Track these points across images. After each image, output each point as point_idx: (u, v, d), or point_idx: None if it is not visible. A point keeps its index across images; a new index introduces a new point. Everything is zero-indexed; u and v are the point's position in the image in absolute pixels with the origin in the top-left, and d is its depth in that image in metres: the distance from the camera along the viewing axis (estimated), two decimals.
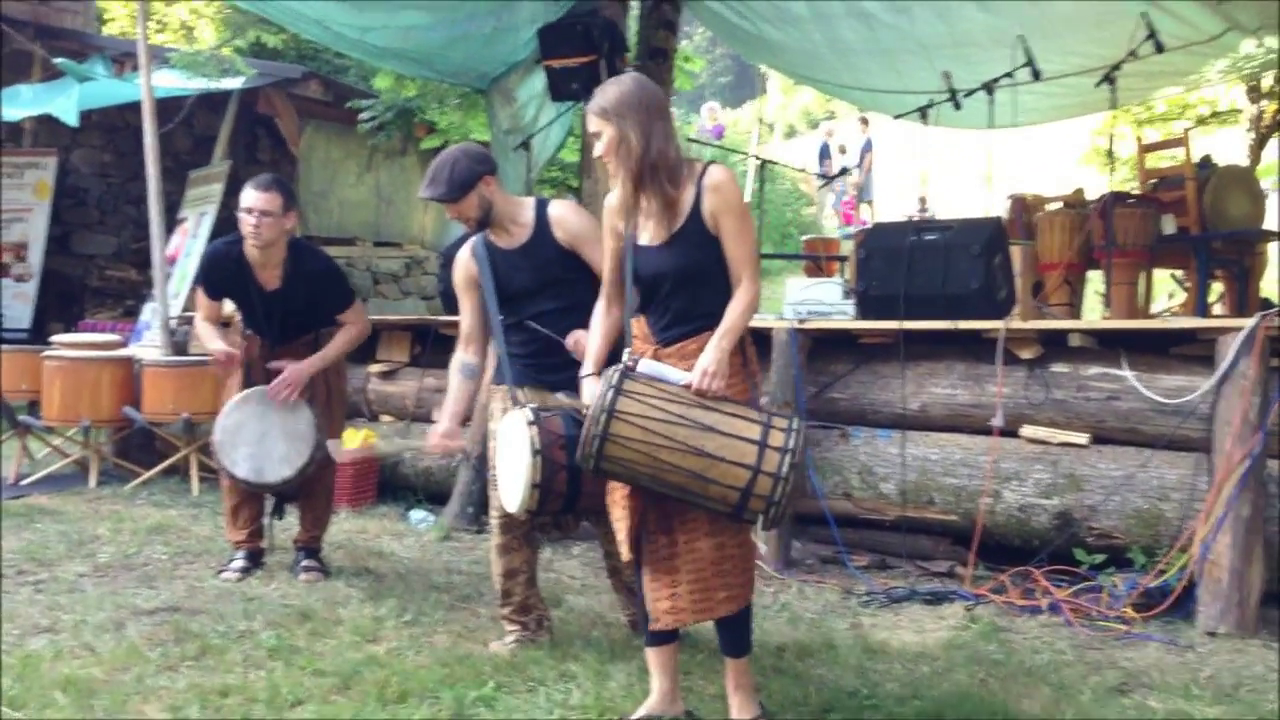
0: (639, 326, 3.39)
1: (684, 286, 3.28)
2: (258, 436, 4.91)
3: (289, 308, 4.99)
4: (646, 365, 3.22)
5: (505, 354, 4.07)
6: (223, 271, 4.99)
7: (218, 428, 4.92)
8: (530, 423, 3.60)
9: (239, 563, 5.05)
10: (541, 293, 4.03)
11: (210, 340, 5.06)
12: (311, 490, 5.16)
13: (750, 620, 3.38)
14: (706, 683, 3.69)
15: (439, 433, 4.20)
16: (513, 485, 3.64)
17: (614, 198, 3.39)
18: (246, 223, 4.81)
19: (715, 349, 3.16)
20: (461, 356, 4.25)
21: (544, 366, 4.03)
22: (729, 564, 3.21)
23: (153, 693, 3.49)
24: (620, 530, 3.34)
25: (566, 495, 3.68)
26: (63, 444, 7.98)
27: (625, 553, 3.32)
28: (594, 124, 3.28)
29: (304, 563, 5.09)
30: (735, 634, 3.34)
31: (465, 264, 4.21)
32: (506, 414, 3.89)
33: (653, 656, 3.40)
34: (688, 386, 3.13)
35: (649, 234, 3.30)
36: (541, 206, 4.14)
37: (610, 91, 3.28)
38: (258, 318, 5.04)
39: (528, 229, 4.08)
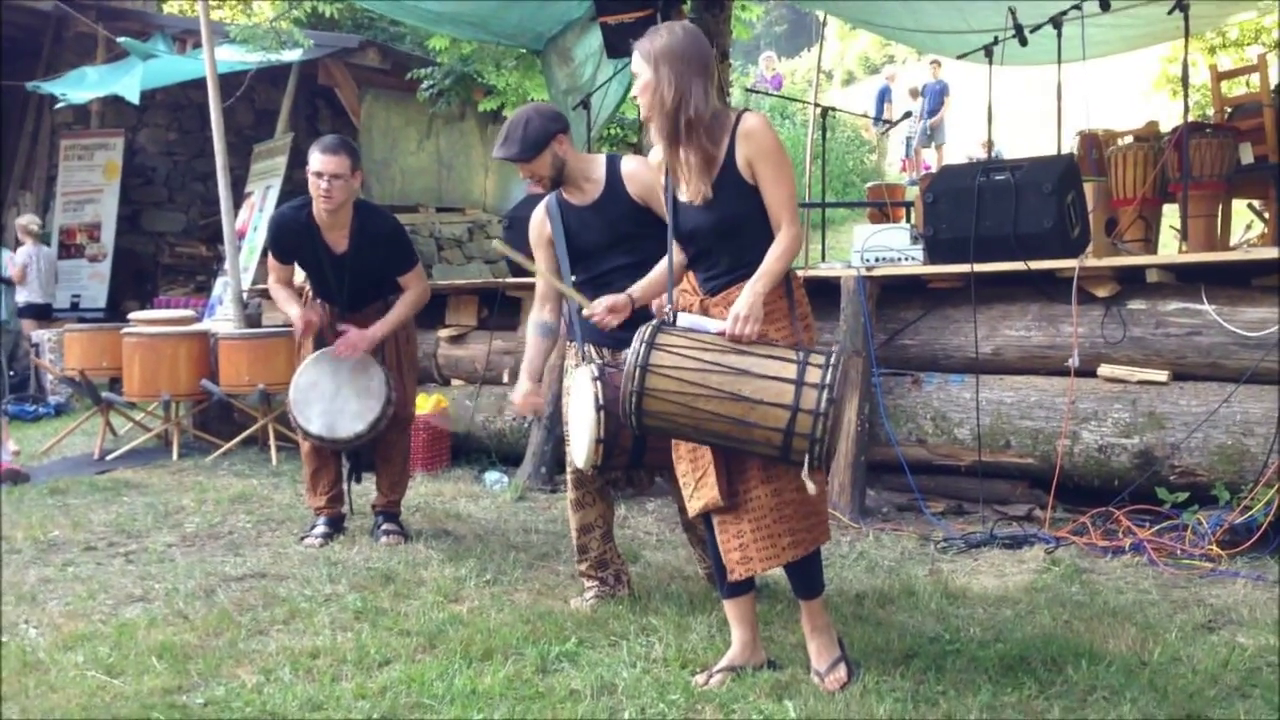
0: (688, 280, 3.40)
1: (723, 239, 3.27)
2: (331, 394, 4.98)
3: (358, 271, 5.00)
4: (685, 318, 3.22)
5: (575, 311, 4.08)
6: (291, 235, 5.01)
7: (293, 386, 5.04)
8: (595, 378, 3.61)
9: (321, 529, 5.12)
10: (614, 249, 4.02)
11: (287, 304, 5.11)
12: (388, 455, 5.22)
13: (817, 561, 3.37)
14: (787, 632, 3.69)
15: (521, 393, 4.23)
16: (579, 440, 3.68)
17: (655, 154, 3.39)
18: (318, 187, 4.81)
19: (749, 293, 3.14)
20: (538, 316, 4.25)
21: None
22: (789, 509, 3.21)
23: (245, 656, 3.57)
24: (685, 488, 3.36)
25: (632, 450, 3.73)
26: (144, 419, 8.17)
27: (691, 508, 3.34)
28: (634, 63, 3.27)
29: (384, 526, 5.16)
30: (803, 576, 3.34)
31: (539, 223, 4.20)
32: (576, 370, 3.92)
33: (731, 608, 3.42)
34: (723, 334, 3.12)
35: (689, 190, 3.27)
36: (614, 163, 4.13)
37: (658, 37, 3.24)
38: (328, 283, 5.07)
39: (600, 186, 4.07)
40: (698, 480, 3.30)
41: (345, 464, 5.30)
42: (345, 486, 5.28)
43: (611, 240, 4.02)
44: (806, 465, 3.04)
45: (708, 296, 3.32)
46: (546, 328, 4.24)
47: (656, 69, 3.18)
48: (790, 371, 3.02)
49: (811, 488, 3.08)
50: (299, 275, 5.26)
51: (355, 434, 4.98)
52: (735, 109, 3.31)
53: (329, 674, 3.39)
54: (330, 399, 4.98)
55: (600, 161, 4.13)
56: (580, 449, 3.67)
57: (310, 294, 5.23)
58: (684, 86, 3.16)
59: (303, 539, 5.09)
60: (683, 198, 3.30)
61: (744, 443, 3.11)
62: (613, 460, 3.73)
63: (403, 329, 5.16)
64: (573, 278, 4.07)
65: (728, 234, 3.25)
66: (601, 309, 3.52)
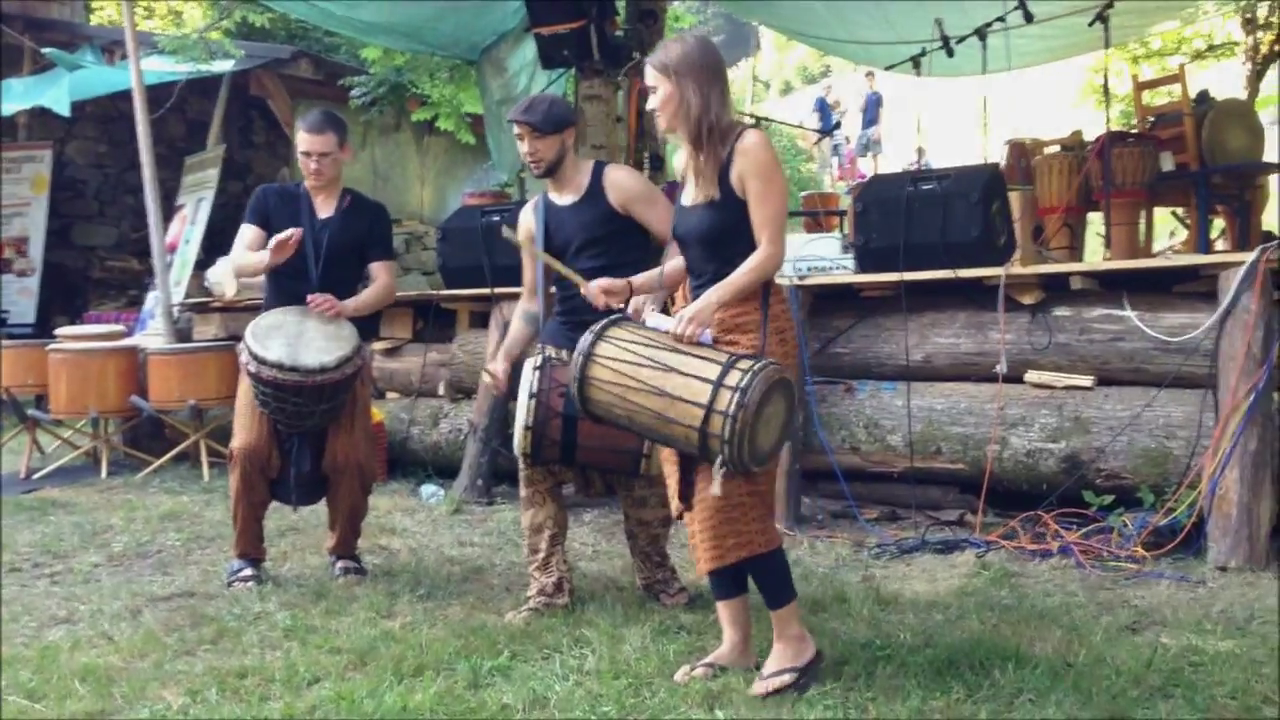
0: (683, 287, 3.50)
1: (710, 246, 3.34)
2: (295, 334, 4.49)
3: (338, 238, 4.70)
4: (653, 318, 3.34)
5: (543, 311, 4.33)
6: (277, 195, 4.79)
7: (251, 326, 4.50)
8: (535, 368, 3.93)
9: (249, 570, 4.64)
10: (583, 250, 4.15)
11: (250, 258, 4.66)
12: (340, 508, 4.74)
13: (778, 571, 3.38)
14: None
15: (489, 367, 4.37)
16: (516, 427, 3.94)
17: (680, 158, 3.48)
18: (307, 166, 4.71)
19: (704, 298, 3.24)
20: (524, 305, 4.44)
21: (575, 324, 4.12)
22: (738, 511, 3.25)
23: (171, 678, 3.51)
24: (669, 485, 3.46)
25: (562, 444, 3.94)
26: (72, 436, 8.02)
27: (673, 507, 3.45)
28: (651, 77, 3.35)
29: (340, 565, 4.77)
30: (764, 585, 3.38)
31: (525, 220, 4.36)
32: (527, 361, 4.14)
33: (720, 610, 3.49)
34: (670, 332, 3.21)
35: (690, 194, 3.38)
36: (599, 168, 4.29)
37: (673, 49, 3.34)
38: (305, 252, 4.64)
39: (583, 188, 4.22)
40: (675, 483, 3.42)
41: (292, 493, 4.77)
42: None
43: (582, 242, 4.16)
44: (718, 467, 3.11)
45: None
46: (531, 316, 4.41)
47: (677, 80, 3.29)
48: (713, 373, 3.10)
49: (718, 489, 3.14)
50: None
51: (320, 365, 4.38)
52: (741, 124, 3.41)
53: (257, 694, 3.34)
54: (295, 337, 4.47)
55: (588, 166, 4.30)
56: (516, 434, 3.96)
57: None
58: (705, 93, 3.28)
59: (230, 583, 4.60)
60: (685, 201, 3.40)
61: (668, 439, 3.25)
62: (543, 450, 3.98)
63: (362, 390, 4.79)
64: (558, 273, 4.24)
65: (711, 242, 3.33)
66: (596, 289, 3.65)
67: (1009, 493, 5.26)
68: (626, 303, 3.60)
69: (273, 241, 4.51)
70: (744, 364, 3.11)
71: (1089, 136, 7.72)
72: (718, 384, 3.07)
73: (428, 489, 6.55)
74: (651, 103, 3.39)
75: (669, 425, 3.14)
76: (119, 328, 8.70)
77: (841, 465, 5.56)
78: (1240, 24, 11.89)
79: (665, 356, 3.16)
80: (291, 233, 4.51)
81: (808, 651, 3.36)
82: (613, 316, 3.34)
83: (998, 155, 7.92)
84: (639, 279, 3.70)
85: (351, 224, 4.78)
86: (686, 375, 3.12)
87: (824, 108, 19.76)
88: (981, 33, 6.91)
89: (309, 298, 4.57)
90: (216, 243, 10.59)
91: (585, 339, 3.24)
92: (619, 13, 8.01)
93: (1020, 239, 5.73)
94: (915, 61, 7.64)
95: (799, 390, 5.51)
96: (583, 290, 3.70)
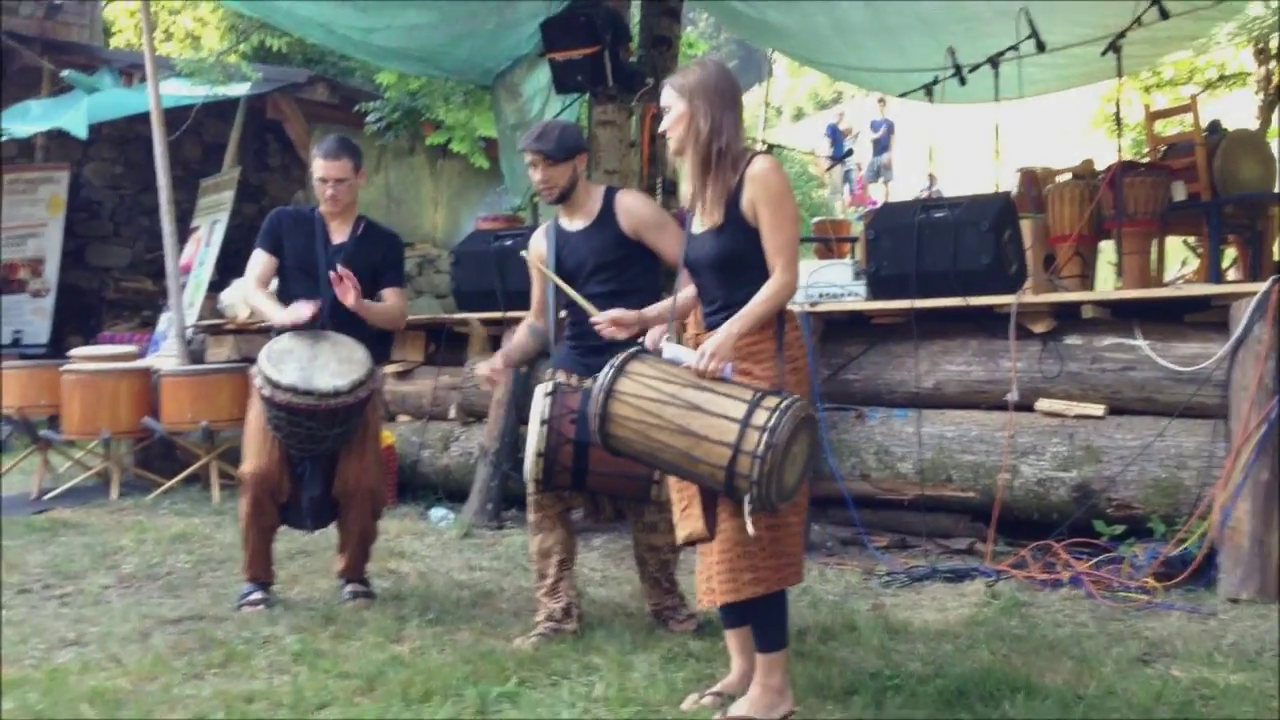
0: (694, 314, 3.51)
1: (722, 273, 3.34)
2: (308, 358, 4.49)
3: (353, 267, 4.66)
4: (670, 349, 3.30)
5: (552, 340, 4.34)
6: (292, 219, 4.82)
7: (264, 350, 4.50)
8: (547, 394, 3.94)
9: (259, 594, 4.66)
10: (594, 276, 4.17)
11: (270, 308, 4.67)
12: (351, 531, 4.76)
13: (776, 616, 3.32)
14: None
15: (488, 365, 4.39)
16: (527, 451, 3.96)
17: (686, 186, 3.50)
18: (323, 192, 4.74)
19: (723, 331, 3.22)
20: (531, 321, 4.48)
21: (586, 349, 4.16)
22: (755, 545, 3.21)
23: (179, 701, 3.51)
24: (675, 517, 3.45)
25: (573, 470, 3.95)
26: (84, 457, 8.05)
27: (677, 537, 3.43)
28: (667, 97, 3.39)
29: (349, 589, 4.78)
30: (759, 626, 3.32)
31: (536, 245, 4.38)
32: (538, 387, 4.14)
33: (730, 638, 3.48)
34: (690, 368, 3.19)
35: (701, 220, 3.38)
36: (610, 193, 4.31)
37: (692, 72, 3.39)
38: (315, 276, 4.71)
39: (594, 213, 4.24)
40: (683, 510, 3.37)
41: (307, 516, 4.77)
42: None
43: (593, 267, 4.18)
44: (747, 506, 3.06)
45: (705, 331, 3.39)
46: (537, 331, 4.47)
47: (691, 101, 3.32)
48: (739, 412, 3.05)
49: (751, 529, 3.08)
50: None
51: (334, 389, 4.38)
52: (751, 149, 3.41)
53: (264, 719, 3.35)
54: (309, 361, 4.47)
55: (599, 192, 4.32)
56: (527, 460, 3.98)
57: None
58: (718, 117, 3.30)
59: (240, 606, 4.61)
60: (695, 229, 3.40)
61: (693, 476, 3.19)
62: (554, 476, 3.99)
63: (374, 415, 4.80)
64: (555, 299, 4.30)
65: (724, 268, 3.33)
66: (606, 319, 3.66)
67: (1019, 521, 5.25)
68: (639, 335, 3.61)
69: (292, 312, 4.57)
70: (770, 401, 3.06)
71: (1100, 165, 7.74)
72: (745, 424, 3.02)
73: (437, 512, 6.55)
74: (664, 123, 3.41)
75: (695, 464, 3.10)
76: (132, 349, 8.74)
77: (851, 492, 5.55)
78: (1252, 54, 11.90)
79: (689, 394, 3.12)
80: (309, 312, 4.56)
81: (782, 707, 3.28)
82: (631, 350, 3.30)
83: (1009, 183, 7.93)
84: (651, 311, 3.70)
85: (365, 251, 4.80)
86: (712, 414, 3.07)
87: (835, 134, 19.79)
88: (994, 61, 6.92)
89: (331, 275, 4.54)
90: (230, 265, 10.64)
91: (606, 374, 3.20)
92: (633, 39, 8.06)
93: (1032, 267, 5.75)
94: (928, 89, 7.67)
95: None
96: (594, 320, 3.70)
